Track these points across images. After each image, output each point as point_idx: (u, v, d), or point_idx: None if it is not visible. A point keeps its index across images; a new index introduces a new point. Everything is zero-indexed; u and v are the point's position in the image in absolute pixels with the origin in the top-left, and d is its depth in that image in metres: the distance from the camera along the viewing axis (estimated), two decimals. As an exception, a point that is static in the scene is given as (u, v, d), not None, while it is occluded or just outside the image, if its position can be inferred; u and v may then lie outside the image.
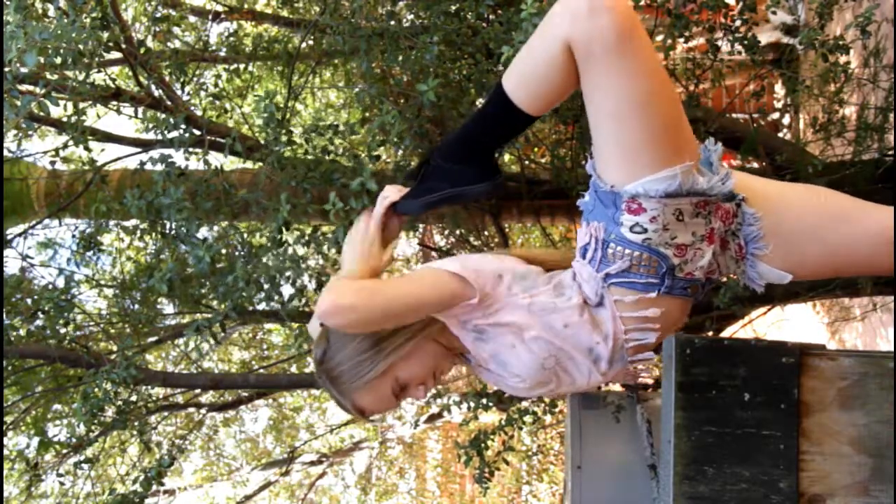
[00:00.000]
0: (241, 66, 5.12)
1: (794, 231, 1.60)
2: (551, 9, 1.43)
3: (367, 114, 3.92)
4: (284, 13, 5.17)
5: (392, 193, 1.69)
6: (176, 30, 4.99)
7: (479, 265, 1.58)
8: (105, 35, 3.03)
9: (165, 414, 5.90)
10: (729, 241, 1.63)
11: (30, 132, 3.41)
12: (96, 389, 3.26)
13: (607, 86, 1.41)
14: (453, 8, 3.29)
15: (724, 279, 3.77)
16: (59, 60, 2.52)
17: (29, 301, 3.80)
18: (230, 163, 4.98)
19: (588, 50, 1.39)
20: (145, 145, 4.21)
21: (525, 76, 1.47)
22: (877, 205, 1.63)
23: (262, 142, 3.24)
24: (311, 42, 4.38)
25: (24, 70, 2.46)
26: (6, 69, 2.45)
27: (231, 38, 5.28)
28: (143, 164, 3.51)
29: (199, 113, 3.99)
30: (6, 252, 4.28)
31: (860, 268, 1.69)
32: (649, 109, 1.42)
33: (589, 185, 1.59)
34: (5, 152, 3.98)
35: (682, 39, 3.38)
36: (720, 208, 1.57)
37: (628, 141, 1.44)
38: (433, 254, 6.39)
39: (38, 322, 3.76)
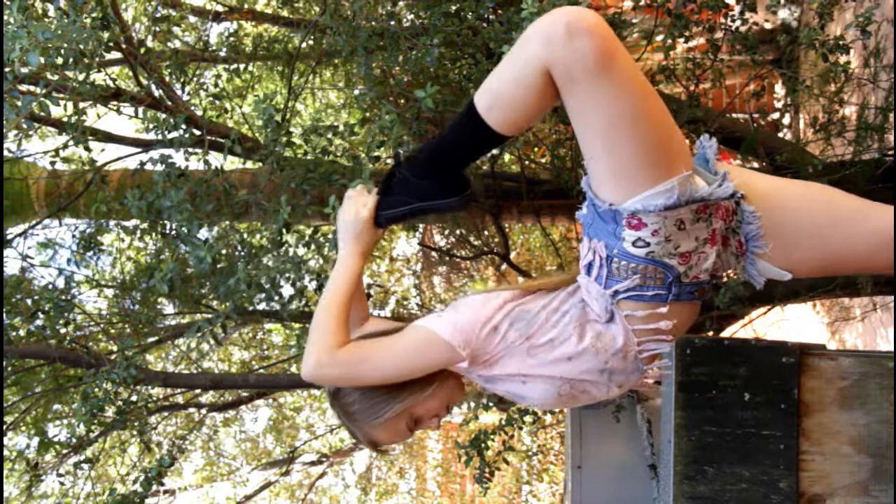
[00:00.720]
0: (241, 67, 5.12)
1: (795, 230, 1.59)
2: (526, 31, 1.40)
3: (367, 114, 3.92)
4: (284, 13, 5.17)
5: (373, 193, 1.71)
6: (176, 30, 4.99)
7: (471, 320, 1.57)
8: (105, 35, 3.03)
9: (165, 414, 5.91)
10: (729, 237, 1.62)
11: (30, 132, 3.41)
12: (96, 389, 3.26)
13: (592, 108, 1.39)
14: (453, 8, 3.29)
15: (725, 279, 3.77)
16: (59, 60, 2.52)
17: (29, 301, 3.80)
18: (230, 163, 4.98)
19: (568, 74, 1.37)
20: (145, 145, 4.21)
21: (499, 97, 1.45)
22: (878, 203, 1.62)
23: (262, 142, 3.24)
24: (311, 42, 4.38)
25: (24, 70, 2.46)
26: (7, 69, 2.45)
27: (231, 39, 5.28)
28: (143, 164, 3.51)
29: (199, 113, 3.99)
30: (6, 252, 4.29)
31: (861, 266, 1.68)
32: (638, 128, 1.40)
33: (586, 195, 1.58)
34: (5, 152, 3.98)
35: (682, 39, 3.38)
36: (720, 207, 1.56)
37: (620, 160, 1.43)
38: (433, 254, 6.39)
39: (38, 322, 3.76)
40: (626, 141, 1.40)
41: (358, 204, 1.70)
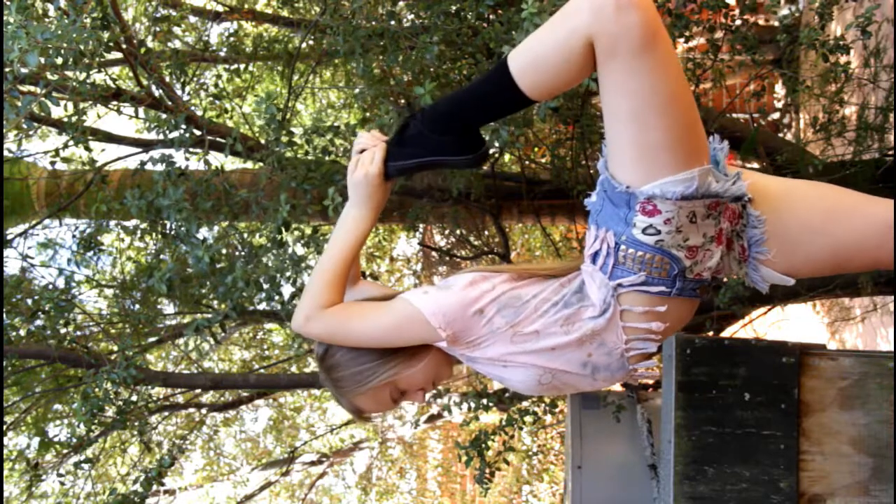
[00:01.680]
0: (242, 67, 5.12)
1: (799, 231, 1.59)
2: (573, 1, 1.40)
3: (367, 114, 3.92)
4: (284, 13, 5.17)
5: (378, 142, 1.68)
6: (176, 30, 4.99)
7: (457, 302, 1.57)
8: (105, 35, 3.03)
9: (166, 414, 5.91)
10: (734, 241, 1.62)
11: (30, 132, 3.41)
12: (96, 389, 3.26)
13: (630, 85, 1.39)
14: (454, 8, 3.29)
15: (726, 279, 3.77)
16: (59, 60, 2.52)
17: (29, 301, 3.80)
18: (230, 162, 4.98)
19: (613, 48, 1.37)
20: (146, 145, 4.21)
21: (537, 62, 1.44)
22: (881, 199, 1.62)
23: (263, 142, 3.25)
24: (311, 42, 4.38)
25: (24, 70, 2.46)
26: (7, 69, 2.45)
27: (231, 39, 5.29)
28: (143, 164, 3.51)
29: (199, 113, 3.99)
30: (6, 252, 4.29)
31: (866, 263, 1.67)
32: (671, 111, 1.40)
33: (596, 185, 1.57)
34: (6, 152, 3.98)
35: (682, 39, 3.38)
36: (728, 208, 1.56)
37: (648, 142, 1.42)
38: (433, 254, 6.39)
39: (39, 322, 3.76)
40: (659, 122, 1.40)
41: (365, 161, 1.66)
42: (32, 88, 2.70)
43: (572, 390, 1.66)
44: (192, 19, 5.67)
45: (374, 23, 3.28)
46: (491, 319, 1.57)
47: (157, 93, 3.66)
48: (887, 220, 1.56)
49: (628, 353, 1.59)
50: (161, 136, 3.26)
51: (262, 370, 6.28)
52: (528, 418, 3.66)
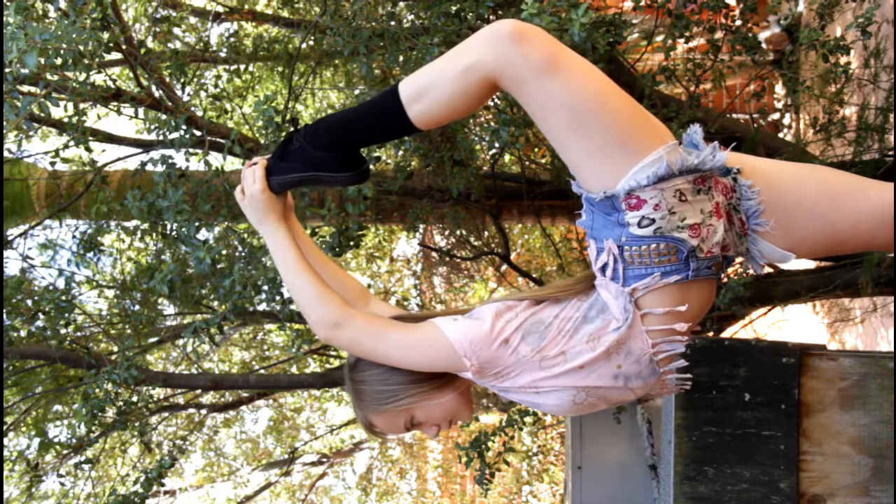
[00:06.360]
0: (242, 67, 5.13)
1: (794, 206, 1.60)
2: (469, 40, 1.47)
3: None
4: (285, 14, 5.17)
5: (260, 162, 1.70)
6: (176, 30, 4.99)
7: (484, 334, 1.58)
8: (105, 36, 3.03)
9: (166, 415, 5.91)
10: (733, 215, 1.62)
11: (30, 133, 3.41)
12: (97, 390, 3.26)
13: (553, 104, 1.43)
14: (454, 9, 3.29)
15: (726, 278, 3.77)
16: (59, 61, 2.52)
17: (29, 302, 3.80)
18: (230, 163, 4.99)
19: (518, 77, 1.43)
20: (146, 146, 4.21)
21: (430, 94, 1.49)
22: (877, 181, 1.62)
23: (263, 143, 3.25)
24: (311, 43, 4.38)
25: (24, 71, 2.46)
26: (7, 70, 2.45)
27: (231, 39, 5.29)
28: (143, 164, 3.51)
29: (199, 113, 3.99)
30: (7, 253, 4.29)
31: (861, 244, 1.67)
32: (604, 108, 1.43)
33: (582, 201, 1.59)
34: (6, 153, 3.98)
35: (682, 40, 3.39)
36: (718, 182, 1.56)
37: (598, 145, 1.45)
38: (433, 254, 6.39)
39: (39, 323, 3.76)
40: (598, 122, 1.43)
41: (248, 182, 1.68)
42: (32, 89, 2.71)
43: (607, 404, 1.65)
44: (192, 20, 5.67)
45: (374, 23, 3.28)
46: (517, 348, 1.58)
47: (157, 93, 3.66)
48: (882, 203, 1.57)
49: (657, 357, 1.59)
50: (161, 137, 3.26)
51: (262, 371, 6.28)
52: (529, 419, 3.66)
